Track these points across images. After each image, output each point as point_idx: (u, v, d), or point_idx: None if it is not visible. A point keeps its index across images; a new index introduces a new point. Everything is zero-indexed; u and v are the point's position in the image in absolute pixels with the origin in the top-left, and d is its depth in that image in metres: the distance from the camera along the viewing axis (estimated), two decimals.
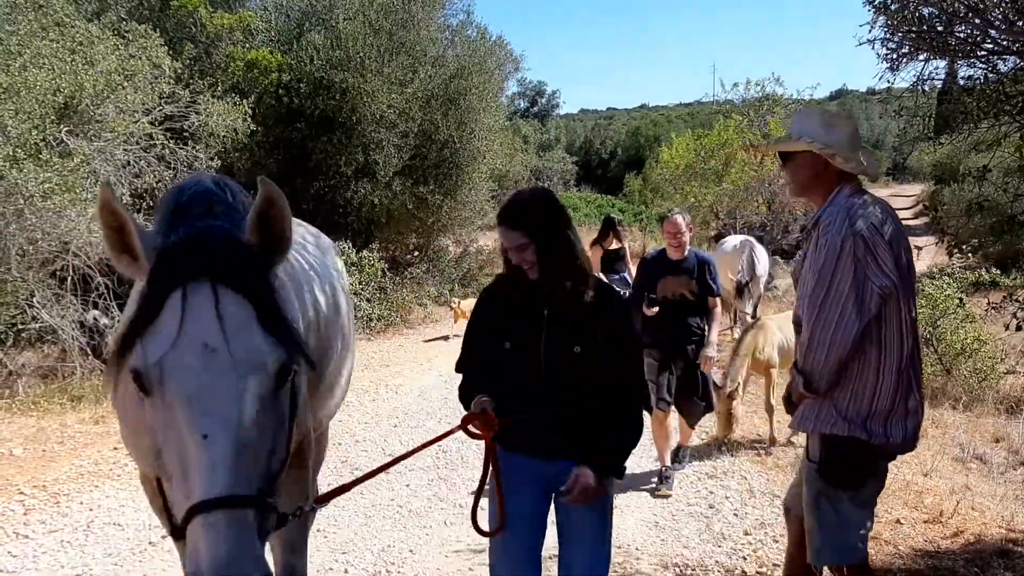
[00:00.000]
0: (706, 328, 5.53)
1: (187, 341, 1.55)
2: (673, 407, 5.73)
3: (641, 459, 6.13)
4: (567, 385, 2.60)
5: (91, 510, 5.26)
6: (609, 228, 9.04)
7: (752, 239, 12.35)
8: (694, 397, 5.66)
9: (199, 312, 1.57)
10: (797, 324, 2.94)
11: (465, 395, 2.76)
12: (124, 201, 9.09)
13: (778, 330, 6.86)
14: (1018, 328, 4.97)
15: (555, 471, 2.63)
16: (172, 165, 10.17)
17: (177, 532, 1.53)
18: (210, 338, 1.56)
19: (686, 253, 5.44)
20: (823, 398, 2.78)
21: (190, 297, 1.58)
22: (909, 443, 2.81)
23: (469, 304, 10.74)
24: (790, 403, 2.97)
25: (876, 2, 4.09)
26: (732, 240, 12.32)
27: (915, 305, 2.87)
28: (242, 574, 1.39)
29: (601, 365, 2.59)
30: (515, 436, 2.64)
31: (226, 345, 1.56)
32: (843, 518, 2.79)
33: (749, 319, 10.16)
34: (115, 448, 6.54)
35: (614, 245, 8.97)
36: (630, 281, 8.13)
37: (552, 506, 2.77)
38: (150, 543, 4.72)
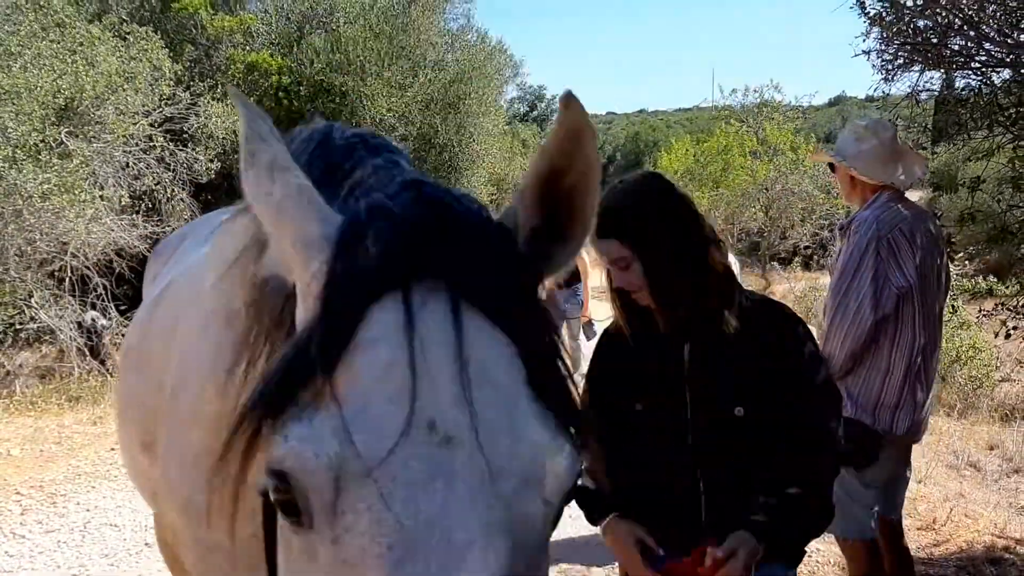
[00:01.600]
0: None
1: (398, 422, 0.78)
2: None
3: None
4: (726, 463, 1.81)
5: (88, 511, 5.27)
6: None
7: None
8: None
9: (429, 354, 0.81)
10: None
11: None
12: (124, 202, 9.10)
13: None
14: (1007, 336, 5.01)
15: None
16: (171, 167, 10.21)
17: None
18: (446, 415, 0.79)
19: None
20: (839, 381, 2.99)
21: (413, 318, 0.83)
22: (913, 433, 3.01)
23: None
24: None
25: (871, 14, 4.14)
26: None
27: (940, 304, 3.10)
28: None
29: (775, 428, 1.81)
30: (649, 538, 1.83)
31: (474, 436, 0.79)
32: (848, 495, 2.95)
33: None
34: (112, 449, 6.55)
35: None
36: (583, 299, 7.07)
37: None
38: (146, 544, 4.73)
